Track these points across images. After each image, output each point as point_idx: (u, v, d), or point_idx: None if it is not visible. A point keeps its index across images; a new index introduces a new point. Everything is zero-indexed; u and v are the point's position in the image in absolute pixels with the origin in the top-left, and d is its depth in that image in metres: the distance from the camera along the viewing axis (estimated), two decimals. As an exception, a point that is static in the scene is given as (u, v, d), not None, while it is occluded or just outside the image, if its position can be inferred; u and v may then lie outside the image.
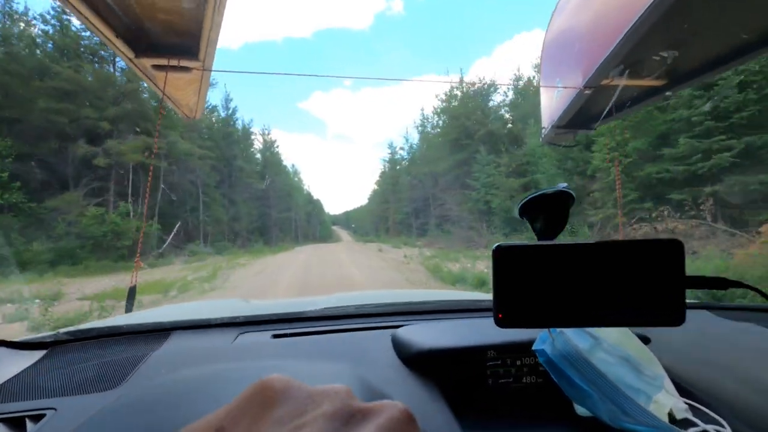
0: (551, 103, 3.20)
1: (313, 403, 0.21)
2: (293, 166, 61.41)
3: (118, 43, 1.94)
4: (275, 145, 43.93)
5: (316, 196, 75.32)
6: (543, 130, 3.44)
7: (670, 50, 2.04)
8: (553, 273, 0.42)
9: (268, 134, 43.54)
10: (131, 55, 2.03)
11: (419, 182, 33.07)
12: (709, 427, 0.64)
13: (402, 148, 40.87)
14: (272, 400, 0.21)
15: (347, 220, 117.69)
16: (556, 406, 0.74)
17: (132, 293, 2.73)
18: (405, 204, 36.58)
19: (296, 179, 56.28)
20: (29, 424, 0.64)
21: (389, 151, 45.49)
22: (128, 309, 2.72)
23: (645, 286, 0.41)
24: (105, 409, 0.61)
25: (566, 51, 2.87)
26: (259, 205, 36.17)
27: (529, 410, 0.78)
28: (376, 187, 57.65)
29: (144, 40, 2.01)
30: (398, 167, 41.87)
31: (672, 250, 0.41)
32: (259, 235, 34.95)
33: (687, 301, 0.41)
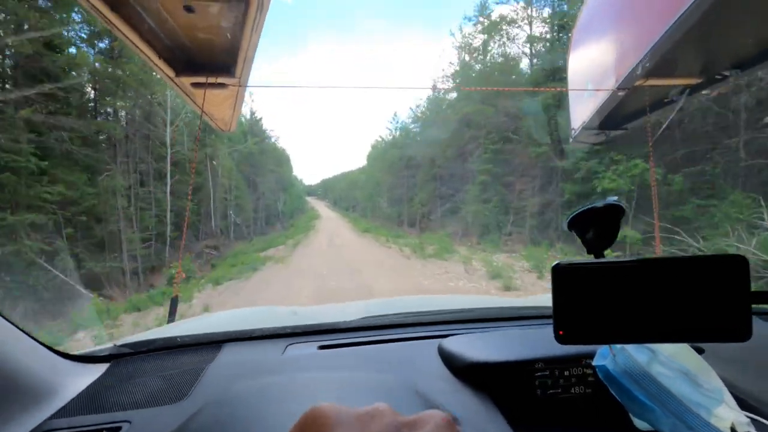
0: (581, 103, 3.12)
1: (361, 424, 0.23)
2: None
3: (160, 63, 2.04)
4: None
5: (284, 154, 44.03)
6: (572, 131, 3.36)
7: (708, 49, 1.97)
8: (614, 290, 0.43)
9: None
10: (172, 74, 2.13)
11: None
12: None
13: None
14: (327, 428, 0.23)
15: (325, 190, 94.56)
16: (607, 417, 0.73)
17: (174, 304, 2.85)
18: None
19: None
20: None
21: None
22: (170, 320, 2.84)
23: (709, 302, 0.41)
24: (179, 428, 0.66)
25: (597, 50, 2.81)
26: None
27: (579, 421, 0.78)
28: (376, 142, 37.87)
29: (184, 60, 2.10)
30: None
31: (736, 266, 0.41)
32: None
33: None
